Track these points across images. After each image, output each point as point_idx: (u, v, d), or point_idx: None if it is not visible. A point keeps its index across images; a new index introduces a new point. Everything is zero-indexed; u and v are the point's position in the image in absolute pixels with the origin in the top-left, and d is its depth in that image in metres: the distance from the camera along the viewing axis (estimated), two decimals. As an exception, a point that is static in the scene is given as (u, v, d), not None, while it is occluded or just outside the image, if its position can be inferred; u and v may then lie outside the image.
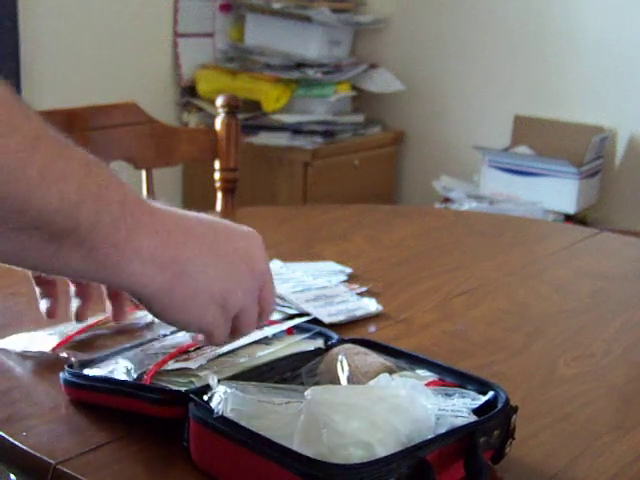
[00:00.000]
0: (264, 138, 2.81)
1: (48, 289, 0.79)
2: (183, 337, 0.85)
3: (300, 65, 2.88)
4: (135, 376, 0.77)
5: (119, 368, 0.78)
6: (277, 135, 2.81)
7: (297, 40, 2.90)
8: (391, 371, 0.75)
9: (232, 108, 1.62)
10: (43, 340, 0.88)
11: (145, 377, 0.76)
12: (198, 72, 2.95)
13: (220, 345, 0.77)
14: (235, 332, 0.73)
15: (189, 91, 2.96)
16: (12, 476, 0.75)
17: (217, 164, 1.63)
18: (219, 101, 1.62)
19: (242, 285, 0.70)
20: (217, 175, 1.63)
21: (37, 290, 0.80)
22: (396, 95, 3.06)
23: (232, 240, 0.71)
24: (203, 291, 0.68)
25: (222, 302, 0.69)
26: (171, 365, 0.77)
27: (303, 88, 2.87)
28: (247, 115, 2.79)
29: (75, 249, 0.61)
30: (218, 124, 1.62)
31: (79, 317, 0.78)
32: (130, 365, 0.78)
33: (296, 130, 2.82)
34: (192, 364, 0.76)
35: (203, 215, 0.71)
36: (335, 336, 0.85)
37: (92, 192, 0.60)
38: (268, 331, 0.85)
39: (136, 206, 0.64)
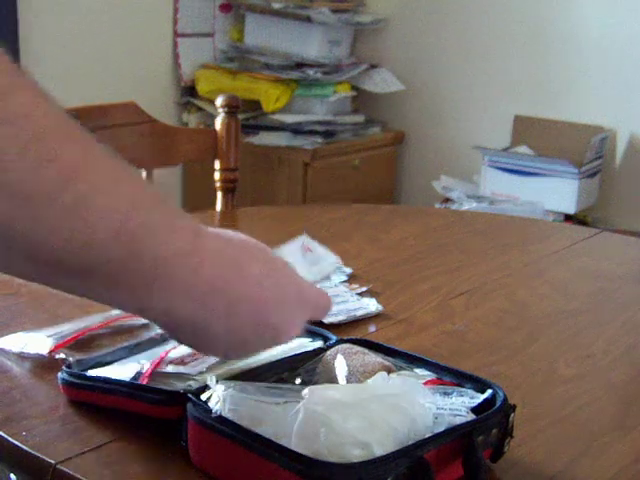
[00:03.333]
0: (264, 138, 2.81)
1: None
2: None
3: (300, 65, 2.88)
4: (132, 375, 0.77)
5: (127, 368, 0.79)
6: (277, 135, 2.81)
7: (297, 40, 2.90)
8: (389, 370, 0.75)
9: (232, 108, 1.62)
10: (41, 342, 0.88)
11: (141, 377, 0.76)
12: (198, 72, 2.95)
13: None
14: None
15: (189, 91, 2.97)
16: (12, 476, 0.75)
17: (217, 164, 1.63)
18: (219, 101, 1.62)
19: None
20: (217, 175, 1.63)
21: None
22: (396, 95, 3.06)
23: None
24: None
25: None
26: (170, 369, 0.77)
27: (303, 88, 2.87)
28: (247, 115, 2.79)
29: (93, 284, 0.58)
30: (218, 124, 1.62)
31: None
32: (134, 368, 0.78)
33: (296, 130, 2.82)
34: (191, 370, 0.76)
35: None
36: (333, 337, 0.85)
37: (125, 236, 0.56)
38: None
39: (176, 260, 0.59)
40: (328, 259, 0.85)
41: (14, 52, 2.47)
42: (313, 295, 0.71)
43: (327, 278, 0.84)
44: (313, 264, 0.82)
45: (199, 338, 0.64)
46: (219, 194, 1.63)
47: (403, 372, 0.78)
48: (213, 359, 0.78)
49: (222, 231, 0.66)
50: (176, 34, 2.91)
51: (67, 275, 0.57)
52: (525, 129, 2.84)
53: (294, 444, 0.62)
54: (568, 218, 2.66)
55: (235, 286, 0.64)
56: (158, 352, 0.80)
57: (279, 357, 0.80)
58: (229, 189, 1.64)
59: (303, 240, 0.85)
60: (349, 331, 0.98)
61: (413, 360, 0.80)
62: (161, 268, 0.58)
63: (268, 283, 0.66)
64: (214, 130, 1.62)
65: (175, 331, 0.64)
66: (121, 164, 0.58)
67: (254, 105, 2.84)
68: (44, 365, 0.86)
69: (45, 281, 0.59)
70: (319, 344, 0.84)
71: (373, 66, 3.06)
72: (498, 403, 0.70)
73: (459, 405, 0.70)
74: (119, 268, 0.57)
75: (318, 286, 0.75)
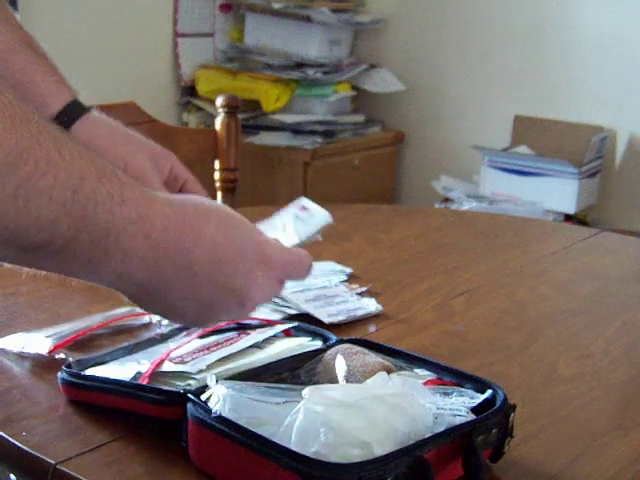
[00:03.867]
0: (264, 138, 2.81)
1: None
2: (180, 338, 0.85)
3: (300, 65, 2.88)
4: (132, 375, 0.77)
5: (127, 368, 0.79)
6: (277, 135, 2.81)
7: (297, 40, 2.90)
8: (389, 370, 0.75)
9: (232, 108, 1.62)
10: (40, 342, 0.88)
11: (142, 377, 0.76)
12: (198, 72, 2.95)
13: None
14: None
15: (189, 91, 2.96)
16: (12, 476, 0.75)
17: (217, 164, 1.63)
18: (219, 101, 1.62)
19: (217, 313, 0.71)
20: (217, 175, 1.63)
21: None
22: (396, 95, 3.06)
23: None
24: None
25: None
26: (169, 367, 0.77)
27: (303, 88, 2.87)
28: (247, 115, 2.79)
29: (49, 258, 0.60)
30: (218, 124, 1.62)
31: None
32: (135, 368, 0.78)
33: (296, 130, 2.82)
34: (190, 368, 0.76)
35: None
36: (333, 337, 0.86)
37: (75, 211, 0.58)
38: (265, 334, 0.85)
39: (128, 229, 0.61)
40: (319, 216, 0.85)
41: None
42: (277, 253, 0.71)
43: (317, 234, 0.84)
44: (304, 224, 0.83)
45: (159, 304, 0.66)
46: (219, 194, 1.63)
47: (403, 372, 0.78)
48: (213, 357, 0.78)
49: (176, 196, 0.68)
50: (176, 34, 2.91)
51: (18, 251, 0.58)
52: (525, 129, 2.84)
53: (294, 444, 0.62)
54: (568, 218, 2.66)
55: (188, 250, 0.65)
56: (158, 352, 0.81)
57: (279, 357, 0.80)
58: (229, 189, 1.64)
59: (301, 201, 0.87)
60: (349, 331, 0.98)
61: (413, 360, 0.80)
62: (112, 237, 0.60)
63: (224, 243, 0.66)
64: (214, 130, 1.63)
65: (135, 298, 0.66)
66: (70, 143, 0.59)
67: (254, 105, 2.84)
68: (44, 365, 0.86)
69: None
70: (319, 344, 0.84)
71: (373, 66, 3.06)
72: (498, 403, 0.70)
73: (459, 405, 0.70)
74: (69, 241, 0.59)
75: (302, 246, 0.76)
